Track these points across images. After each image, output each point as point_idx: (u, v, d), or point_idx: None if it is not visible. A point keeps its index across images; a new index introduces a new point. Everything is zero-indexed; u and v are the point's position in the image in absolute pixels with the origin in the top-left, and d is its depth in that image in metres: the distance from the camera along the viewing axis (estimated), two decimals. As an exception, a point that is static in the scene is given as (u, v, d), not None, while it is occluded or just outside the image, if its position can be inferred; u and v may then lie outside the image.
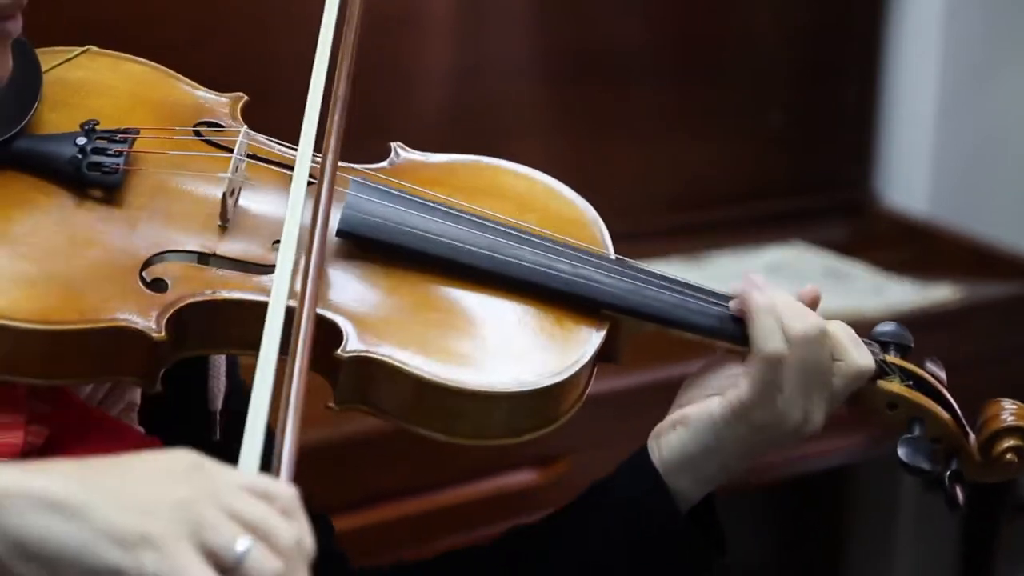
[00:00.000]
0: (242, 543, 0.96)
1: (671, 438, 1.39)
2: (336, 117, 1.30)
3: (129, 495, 0.98)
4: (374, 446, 2.29)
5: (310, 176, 1.30)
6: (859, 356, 1.37)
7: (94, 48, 1.42)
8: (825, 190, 3.40)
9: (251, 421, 1.09)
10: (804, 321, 1.34)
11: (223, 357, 1.43)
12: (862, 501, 3.52)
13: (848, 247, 3.26)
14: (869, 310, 2.87)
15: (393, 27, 2.76)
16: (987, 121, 3.47)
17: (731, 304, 1.37)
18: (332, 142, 1.29)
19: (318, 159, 1.31)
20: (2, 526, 0.97)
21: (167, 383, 1.27)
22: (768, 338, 1.33)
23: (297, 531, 1.00)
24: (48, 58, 1.38)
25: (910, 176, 3.46)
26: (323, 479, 2.23)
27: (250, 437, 1.07)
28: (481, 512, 2.40)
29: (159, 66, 1.44)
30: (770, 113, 3.30)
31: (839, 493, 3.54)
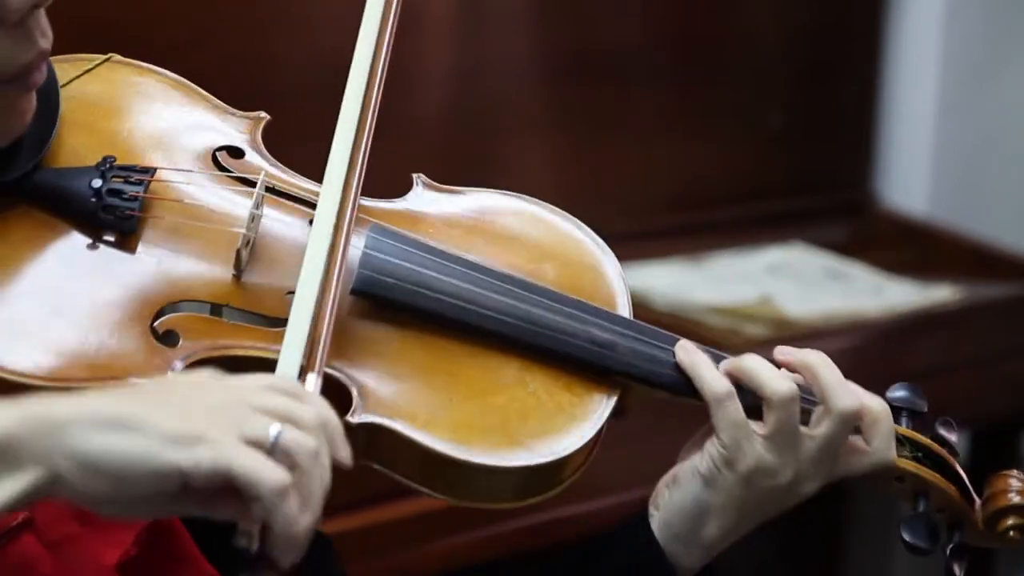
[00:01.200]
0: (274, 428, 1.06)
1: (666, 498, 1.38)
2: (356, 185, 1.29)
3: (174, 405, 1.06)
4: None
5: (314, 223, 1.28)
6: (884, 447, 1.37)
7: (117, 56, 1.40)
8: (825, 190, 3.40)
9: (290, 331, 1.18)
10: (850, 398, 1.34)
11: None
12: (862, 501, 3.52)
13: (848, 247, 3.25)
14: (869, 310, 2.87)
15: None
16: (987, 121, 3.47)
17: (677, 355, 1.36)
18: (349, 213, 1.28)
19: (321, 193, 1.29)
20: (70, 449, 1.03)
21: None
22: (710, 385, 1.33)
23: (317, 411, 1.09)
24: (68, 68, 1.36)
25: (910, 176, 3.46)
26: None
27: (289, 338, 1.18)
28: (481, 514, 2.39)
29: (181, 80, 1.41)
30: (770, 113, 3.30)
31: (839, 493, 3.54)
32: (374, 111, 1.33)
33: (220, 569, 1.28)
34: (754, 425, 1.34)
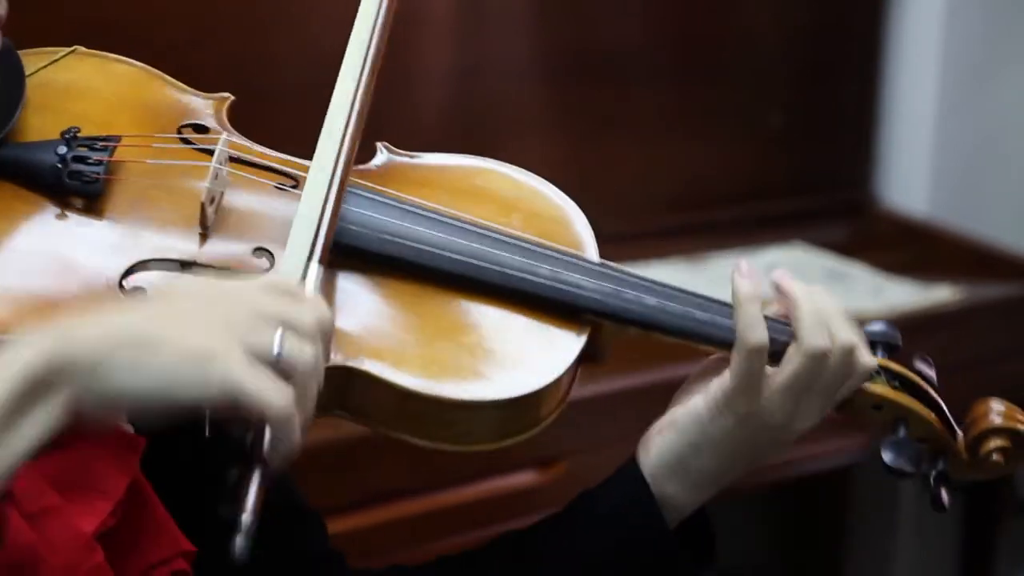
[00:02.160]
0: (277, 343, 1.11)
1: (659, 441, 1.39)
2: (347, 147, 1.31)
3: (186, 317, 1.12)
4: (373, 447, 2.28)
5: (293, 183, 1.31)
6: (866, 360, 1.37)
7: (81, 48, 1.42)
8: (825, 191, 3.40)
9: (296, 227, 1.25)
10: (821, 337, 1.35)
11: None
12: (862, 501, 3.52)
13: (848, 248, 3.25)
14: (869, 311, 2.86)
15: (393, 27, 2.76)
16: (987, 122, 3.47)
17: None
18: (341, 167, 1.30)
19: (308, 165, 1.31)
20: (97, 383, 1.08)
21: None
22: (749, 329, 1.34)
23: (315, 314, 1.15)
24: (34, 59, 1.38)
25: (910, 177, 3.46)
26: (323, 480, 2.23)
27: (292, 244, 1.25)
28: (480, 513, 2.40)
29: (146, 67, 1.43)
30: (770, 114, 3.30)
31: (839, 494, 3.54)
32: (373, 72, 1.36)
33: (193, 539, 1.29)
34: (767, 369, 1.35)
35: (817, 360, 1.34)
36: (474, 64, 2.91)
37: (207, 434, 1.39)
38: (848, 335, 1.36)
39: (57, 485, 1.23)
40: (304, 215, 1.26)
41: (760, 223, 3.24)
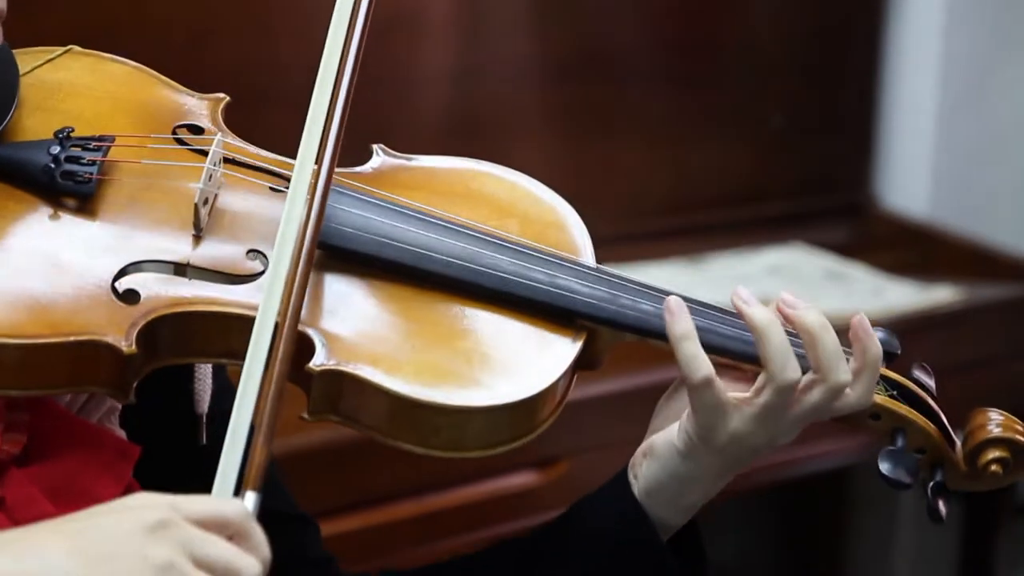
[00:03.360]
0: None
1: (644, 469, 1.37)
2: (332, 139, 1.28)
3: (113, 561, 1.06)
4: (372, 448, 2.27)
5: (285, 183, 1.29)
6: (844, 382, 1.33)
7: (76, 48, 1.41)
8: (825, 192, 3.40)
9: (228, 443, 1.14)
10: (790, 370, 1.30)
11: None
12: (862, 502, 3.52)
13: (848, 249, 3.25)
14: (869, 312, 2.86)
15: (392, 29, 2.76)
16: (987, 123, 3.47)
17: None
18: (326, 165, 1.27)
19: (289, 163, 1.30)
20: None
21: (152, 385, 1.26)
22: (687, 367, 1.30)
23: (255, 561, 1.09)
24: (29, 59, 1.37)
25: (910, 178, 3.46)
26: (323, 481, 2.23)
27: (226, 459, 1.14)
28: (481, 513, 2.40)
29: (141, 67, 1.42)
30: (770, 115, 3.30)
31: (839, 494, 3.54)
32: (353, 74, 1.31)
33: None
34: (735, 392, 1.32)
35: (787, 391, 1.31)
36: (473, 66, 2.91)
37: (203, 442, 1.39)
38: (876, 346, 1.34)
39: (50, 494, 1.23)
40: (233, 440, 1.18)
41: (760, 224, 3.24)
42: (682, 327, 1.31)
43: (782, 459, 2.73)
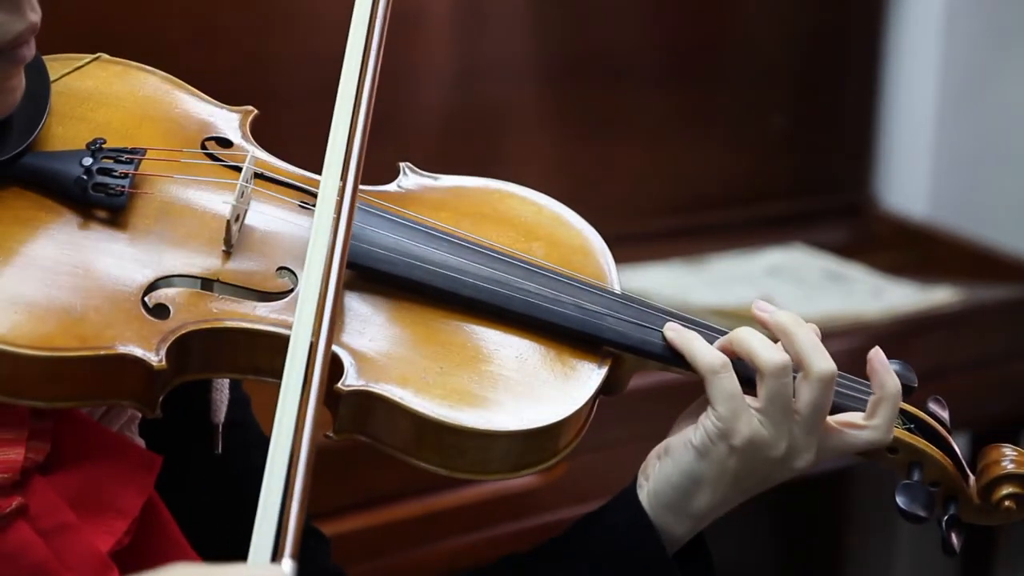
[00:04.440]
0: None
1: (656, 470, 1.37)
2: (353, 168, 1.28)
3: None
4: (374, 450, 2.29)
5: (314, 200, 1.28)
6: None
7: (105, 56, 1.41)
8: (825, 193, 3.40)
9: (262, 507, 1.12)
10: (771, 354, 1.33)
11: None
12: (862, 502, 3.52)
13: (848, 250, 3.25)
14: (869, 313, 2.87)
15: (392, 29, 2.76)
16: (987, 124, 3.47)
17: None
18: (349, 191, 1.27)
19: (318, 179, 1.29)
20: None
21: (170, 396, 1.26)
22: (700, 358, 1.33)
23: None
24: (57, 66, 1.37)
25: (910, 179, 3.46)
26: (325, 481, 2.22)
27: (260, 522, 1.11)
28: (481, 514, 2.40)
29: (169, 76, 1.42)
30: (771, 116, 3.30)
31: (839, 495, 3.54)
32: (372, 92, 1.33)
33: (202, 553, 1.28)
34: (748, 399, 1.33)
35: (827, 385, 1.33)
36: (474, 65, 2.91)
37: (218, 450, 1.39)
38: (894, 382, 1.36)
39: (73, 503, 1.23)
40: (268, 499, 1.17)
41: (760, 225, 3.25)
42: (682, 335, 1.35)
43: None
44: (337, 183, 1.27)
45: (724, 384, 1.32)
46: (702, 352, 1.33)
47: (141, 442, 1.32)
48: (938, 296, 3.01)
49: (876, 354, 1.37)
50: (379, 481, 2.34)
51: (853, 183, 3.45)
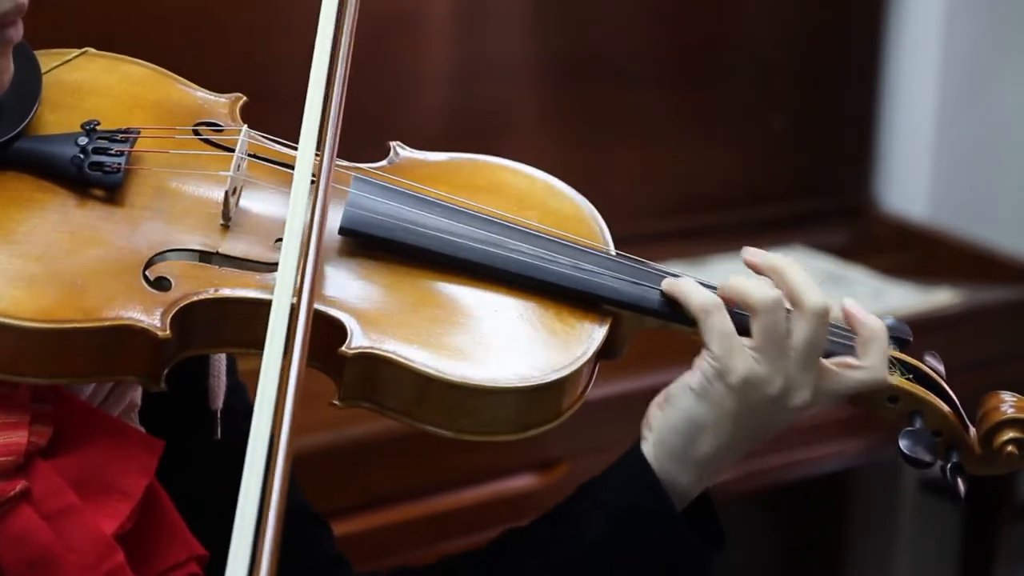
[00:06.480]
0: None
1: (657, 419, 1.39)
2: (333, 116, 1.30)
3: None
4: (375, 450, 2.29)
5: (311, 175, 1.29)
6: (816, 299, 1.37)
7: (92, 50, 1.42)
8: (825, 194, 3.41)
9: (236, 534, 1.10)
10: (762, 290, 1.36)
11: (222, 356, 1.43)
12: (862, 504, 3.53)
13: (848, 251, 3.26)
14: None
15: (392, 29, 2.76)
16: (987, 126, 3.47)
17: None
18: (329, 141, 1.29)
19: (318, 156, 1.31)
20: None
21: (168, 382, 1.27)
22: (691, 298, 1.35)
23: None
24: (47, 60, 1.38)
25: (910, 180, 3.47)
26: (325, 483, 2.23)
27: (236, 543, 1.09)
28: (481, 516, 2.40)
29: (157, 67, 1.43)
30: (771, 117, 3.30)
31: (840, 496, 3.55)
32: (347, 56, 1.33)
33: (202, 540, 1.29)
34: (743, 340, 1.35)
35: (822, 320, 1.34)
36: (474, 66, 2.91)
37: (217, 436, 1.40)
38: (876, 320, 1.38)
39: (76, 485, 1.24)
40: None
41: (760, 226, 3.25)
42: (675, 282, 1.37)
43: (782, 462, 2.74)
44: (313, 148, 1.28)
45: (717, 323, 1.34)
46: (694, 293, 1.35)
47: (141, 429, 1.33)
48: (938, 297, 3.01)
49: (848, 302, 1.39)
50: (379, 482, 2.34)
51: (853, 184, 3.45)
